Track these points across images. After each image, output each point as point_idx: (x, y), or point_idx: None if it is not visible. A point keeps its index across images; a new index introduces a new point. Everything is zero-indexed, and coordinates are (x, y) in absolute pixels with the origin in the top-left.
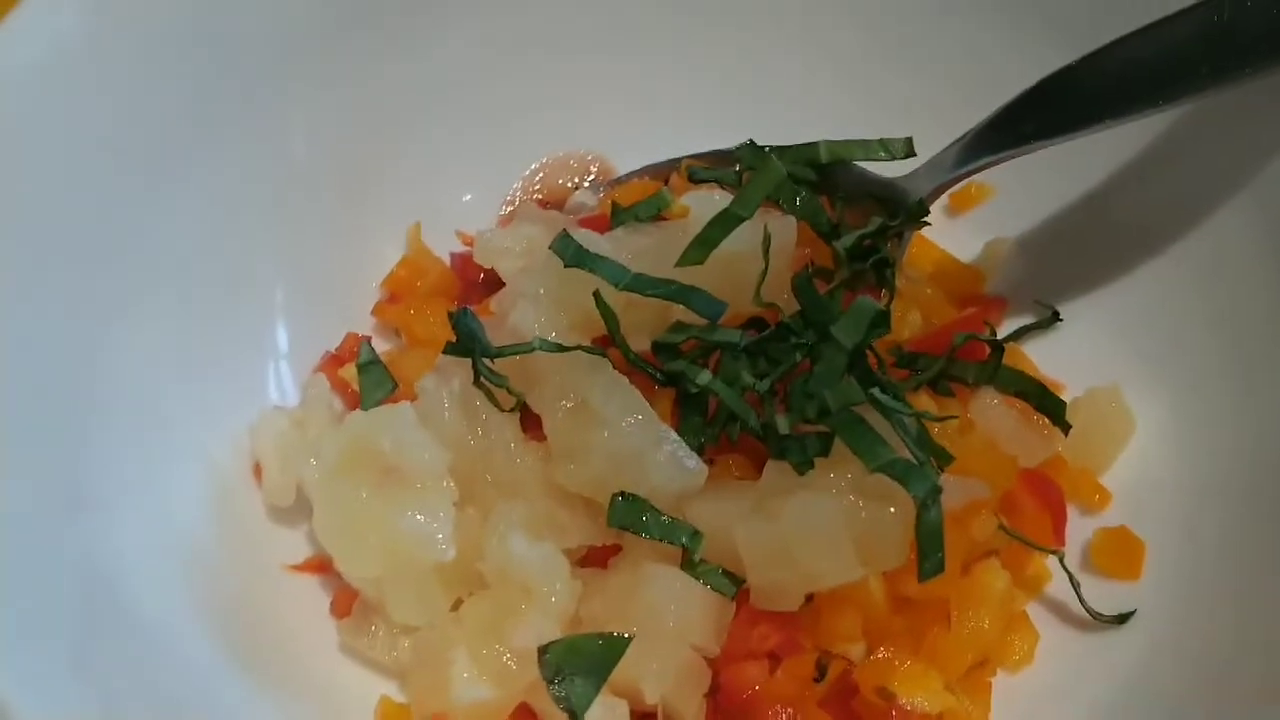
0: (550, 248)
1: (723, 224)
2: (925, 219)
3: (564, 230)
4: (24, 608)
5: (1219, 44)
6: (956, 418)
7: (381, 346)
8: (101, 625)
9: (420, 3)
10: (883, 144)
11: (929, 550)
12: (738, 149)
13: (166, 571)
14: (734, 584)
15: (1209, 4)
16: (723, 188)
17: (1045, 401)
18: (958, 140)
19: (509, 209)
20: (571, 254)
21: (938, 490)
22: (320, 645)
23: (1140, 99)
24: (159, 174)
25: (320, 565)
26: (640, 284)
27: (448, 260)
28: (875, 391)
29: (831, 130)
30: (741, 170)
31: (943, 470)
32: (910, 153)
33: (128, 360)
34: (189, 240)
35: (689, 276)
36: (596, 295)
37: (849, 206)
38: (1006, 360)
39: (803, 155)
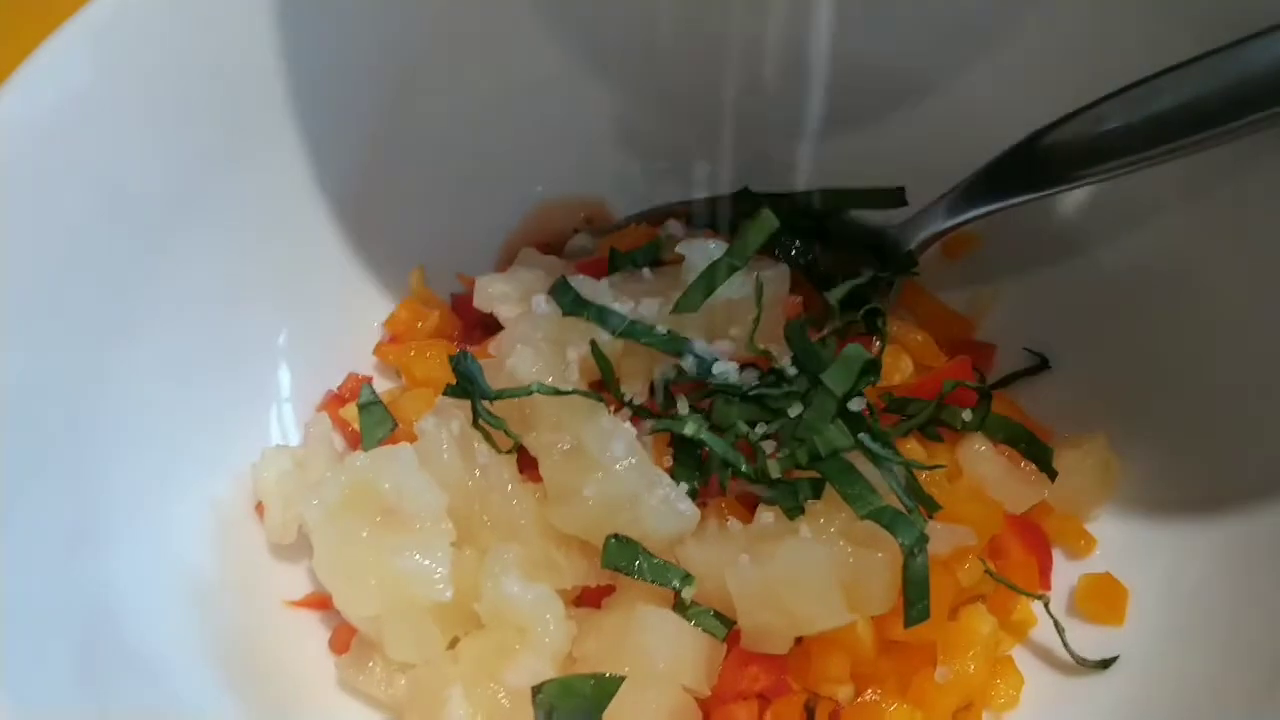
0: (548, 293)
1: (718, 272)
2: (914, 269)
3: (562, 277)
4: (26, 639)
5: (1204, 102)
6: (944, 467)
7: (383, 386)
8: (102, 657)
9: (424, 49)
10: (876, 193)
11: (914, 597)
12: (734, 196)
13: (168, 605)
14: (725, 626)
15: (1195, 62)
16: (718, 235)
17: (1033, 448)
18: (949, 191)
19: (508, 252)
20: (569, 301)
21: (924, 538)
22: (319, 680)
23: (1127, 155)
24: (164, 219)
25: (320, 602)
26: (635, 332)
27: (449, 301)
28: (865, 438)
29: (826, 179)
30: (737, 217)
31: (931, 517)
32: (902, 202)
33: (132, 397)
34: (194, 281)
35: (684, 322)
36: (593, 344)
37: (841, 254)
38: (995, 407)
39: (798, 203)
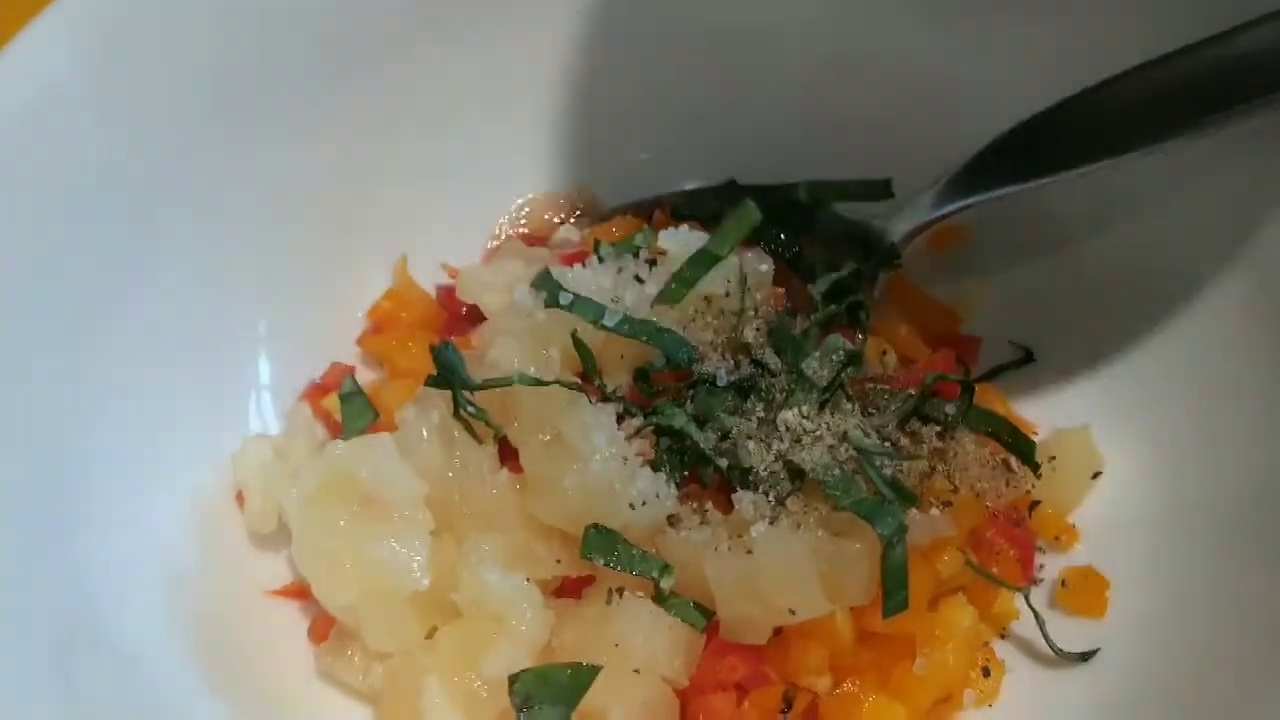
0: (531, 285)
1: (700, 263)
2: (898, 262)
3: (545, 268)
4: (4, 627)
5: (1195, 91)
6: (925, 458)
7: (366, 376)
8: (80, 643)
9: (410, 40)
10: (861, 185)
11: (893, 588)
12: (720, 187)
13: (147, 593)
14: (704, 616)
15: (1184, 51)
16: (704, 226)
17: (1016, 441)
18: (935, 183)
19: (494, 243)
20: (552, 293)
21: (903, 529)
22: (297, 669)
23: (1115, 145)
24: (146, 207)
25: (299, 591)
26: (618, 323)
27: (433, 292)
28: (849, 429)
29: (812, 171)
30: (722, 208)
31: (912, 508)
32: (888, 194)
33: (113, 384)
34: (176, 269)
35: (666, 313)
36: (574, 335)
37: (826, 246)
38: (979, 400)
39: (783, 195)
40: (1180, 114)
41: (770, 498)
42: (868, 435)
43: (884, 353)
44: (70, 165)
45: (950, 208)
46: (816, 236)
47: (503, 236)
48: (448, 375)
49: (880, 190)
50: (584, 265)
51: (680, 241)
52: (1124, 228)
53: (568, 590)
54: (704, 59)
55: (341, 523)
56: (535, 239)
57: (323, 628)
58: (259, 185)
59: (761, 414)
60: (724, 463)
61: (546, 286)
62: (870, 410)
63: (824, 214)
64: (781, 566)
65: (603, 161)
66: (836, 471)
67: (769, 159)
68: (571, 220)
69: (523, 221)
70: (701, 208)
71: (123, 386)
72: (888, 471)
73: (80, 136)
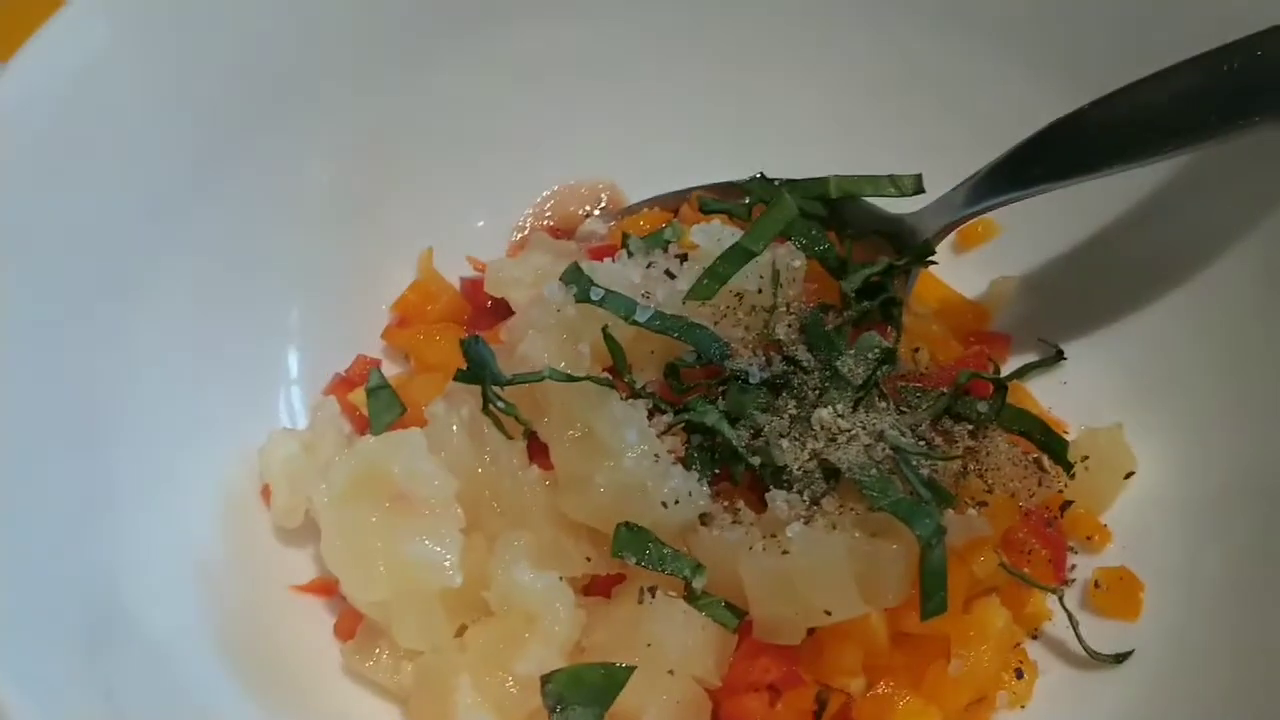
0: (560, 279)
1: (733, 259)
2: (931, 258)
3: (575, 263)
4: (29, 613)
5: (1228, 92)
6: (961, 457)
7: (391, 369)
8: (107, 634)
9: (438, 29)
10: (892, 180)
11: (931, 590)
12: (748, 181)
13: (173, 586)
14: (736, 616)
15: (1219, 52)
16: (732, 220)
17: (1048, 440)
18: (967, 180)
19: (520, 236)
20: (582, 287)
21: (942, 530)
22: (324, 667)
23: (1148, 146)
24: (176, 193)
25: (326, 587)
26: (648, 319)
27: (458, 285)
28: (884, 428)
29: (842, 165)
30: (751, 203)
31: (949, 509)
32: (919, 189)
33: (141, 377)
34: (201, 260)
35: (697, 309)
36: (605, 331)
37: (857, 241)
38: (1010, 398)
39: (813, 190)
40: (1220, 114)
41: (805, 497)
42: (903, 434)
43: (916, 350)
44: (105, 143)
45: (982, 205)
46: (847, 231)
47: (528, 229)
48: (478, 370)
49: (911, 185)
50: (613, 259)
51: (712, 236)
52: (1157, 224)
53: (596, 589)
54: (733, 53)
55: (373, 519)
56: (561, 231)
57: (349, 624)
58: (288, 174)
59: (794, 411)
60: (756, 461)
61: (577, 281)
62: (903, 408)
63: (855, 207)
64: (818, 567)
65: (628, 154)
66: (873, 471)
67: (797, 154)
68: (596, 213)
69: (549, 214)
70: (729, 201)
71: (150, 377)
72: (924, 471)
73: (115, 118)
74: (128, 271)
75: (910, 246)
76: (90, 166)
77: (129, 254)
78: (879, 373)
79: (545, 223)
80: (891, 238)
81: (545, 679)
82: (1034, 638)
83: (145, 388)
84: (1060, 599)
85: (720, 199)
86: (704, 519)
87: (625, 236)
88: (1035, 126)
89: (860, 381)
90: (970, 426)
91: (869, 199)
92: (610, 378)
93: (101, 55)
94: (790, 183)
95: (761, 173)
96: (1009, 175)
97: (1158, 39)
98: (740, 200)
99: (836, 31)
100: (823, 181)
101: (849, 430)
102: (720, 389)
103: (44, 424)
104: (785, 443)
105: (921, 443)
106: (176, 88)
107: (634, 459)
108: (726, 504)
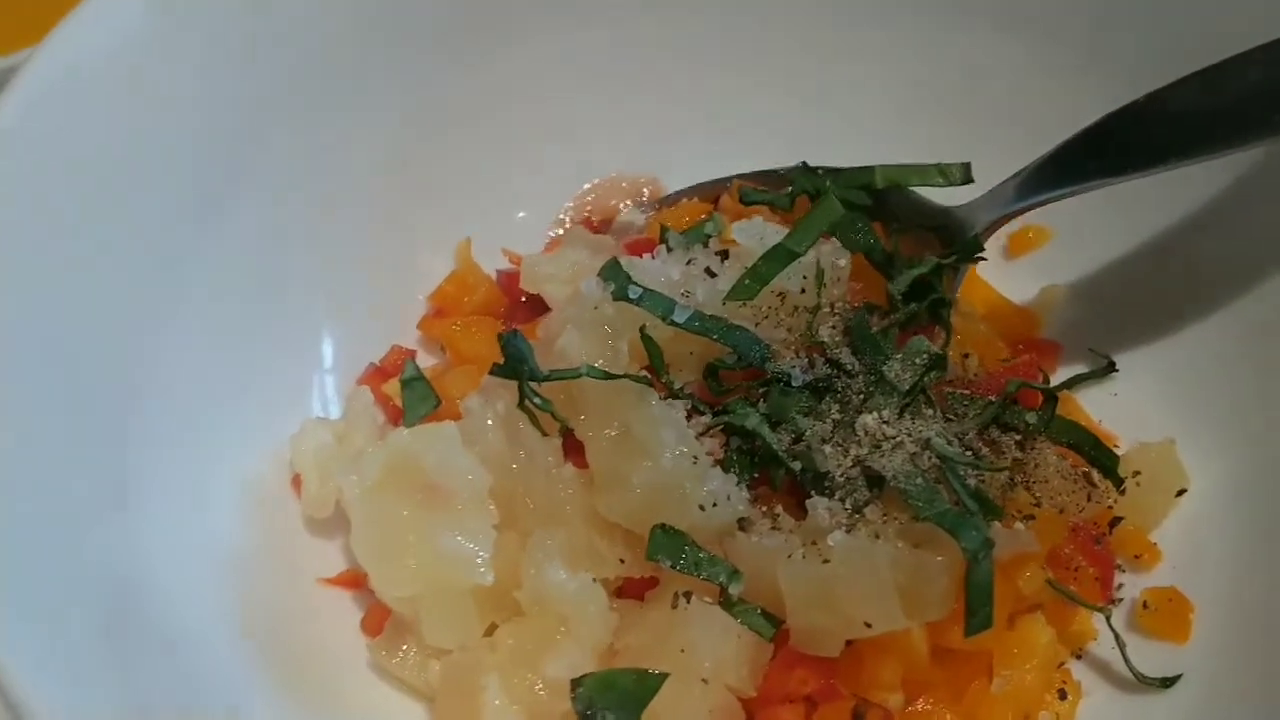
0: (599, 275)
1: (776, 259)
2: (981, 254)
3: (614, 258)
4: (52, 603)
5: None
6: (1008, 469)
7: (426, 360)
8: (130, 623)
9: (478, 19)
10: (940, 169)
11: (977, 605)
12: (790, 170)
13: (200, 575)
14: (772, 625)
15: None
16: (774, 211)
17: (1099, 454)
18: (1018, 174)
19: (559, 230)
20: (619, 284)
21: (990, 544)
22: (349, 662)
23: (1206, 141)
24: (210, 181)
25: (354, 580)
26: (687, 319)
27: (494, 276)
28: (931, 436)
29: (887, 154)
30: (794, 193)
31: (997, 522)
32: (968, 178)
33: (172, 365)
34: (237, 246)
35: (737, 308)
36: (642, 330)
37: (903, 235)
38: (1060, 410)
39: (857, 179)
40: None
41: (847, 505)
42: (949, 443)
43: (965, 356)
44: (138, 127)
45: (1034, 199)
46: (893, 224)
47: (567, 222)
48: (515, 365)
49: (959, 174)
50: (652, 255)
51: (754, 234)
52: (1213, 232)
53: (629, 591)
54: (776, 41)
55: (405, 513)
56: (601, 225)
57: (377, 619)
58: (324, 161)
59: (837, 416)
60: (797, 466)
61: (615, 278)
62: (950, 416)
63: (901, 198)
64: (860, 578)
65: (668, 145)
66: (919, 480)
67: (841, 143)
68: (635, 204)
69: (589, 208)
70: (770, 192)
71: (182, 362)
72: (971, 482)
73: (150, 98)
74: (162, 259)
75: (959, 242)
76: (123, 154)
77: (163, 241)
78: (927, 379)
79: (586, 215)
80: (939, 231)
81: (576, 683)
82: (1078, 658)
83: (179, 373)
84: (1107, 619)
85: (762, 189)
86: (742, 524)
87: (663, 230)
88: (1090, 119)
89: (907, 387)
90: (1018, 437)
91: (915, 189)
92: (649, 377)
93: (141, 30)
94: (834, 171)
95: (804, 161)
96: (1061, 170)
97: (1223, 30)
98: (782, 190)
99: (888, 22)
100: (868, 170)
101: (894, 437)
102: (761, 391)
103: (74, 412)
104: (828, 448)
105: (968, 452)
106: (216, 72)
107: (672, 460)
108: (765, 509)
